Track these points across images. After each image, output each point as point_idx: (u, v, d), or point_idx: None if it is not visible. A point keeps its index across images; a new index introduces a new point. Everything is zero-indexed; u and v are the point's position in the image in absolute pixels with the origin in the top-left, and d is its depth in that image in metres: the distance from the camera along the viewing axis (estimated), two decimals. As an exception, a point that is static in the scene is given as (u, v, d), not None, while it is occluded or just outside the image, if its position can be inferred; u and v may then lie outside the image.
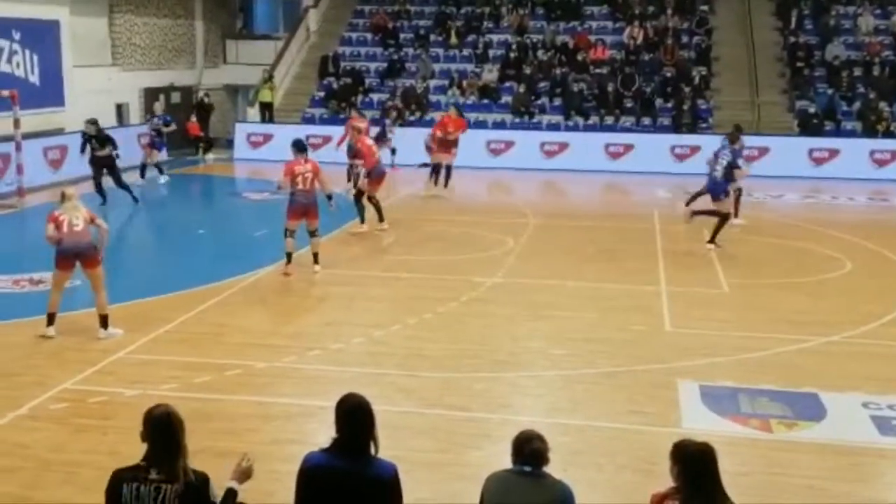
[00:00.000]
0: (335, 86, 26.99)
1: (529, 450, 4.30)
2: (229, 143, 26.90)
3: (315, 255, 12.54)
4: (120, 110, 25.37)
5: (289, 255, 12.39)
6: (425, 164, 20.76)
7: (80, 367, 8.66)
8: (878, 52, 25.67)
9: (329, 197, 12.61)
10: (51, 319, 9.58)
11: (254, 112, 27.25)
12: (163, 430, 4.03)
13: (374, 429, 4.22)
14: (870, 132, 23.55)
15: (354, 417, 4.23)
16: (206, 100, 27.38)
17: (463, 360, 9.07)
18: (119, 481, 4.01)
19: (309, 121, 26.50)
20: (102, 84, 24.09)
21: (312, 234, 12.50)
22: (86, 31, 23.68)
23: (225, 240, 15.97)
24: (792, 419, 7.67)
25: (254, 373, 8.64)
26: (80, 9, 23.15)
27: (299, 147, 12.60)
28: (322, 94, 27.16)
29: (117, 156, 18.02)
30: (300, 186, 12.22)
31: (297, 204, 12.26)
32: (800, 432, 7.46)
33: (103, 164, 17.83)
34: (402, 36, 28.78)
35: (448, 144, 19.96)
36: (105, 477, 6.32)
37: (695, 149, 23.60)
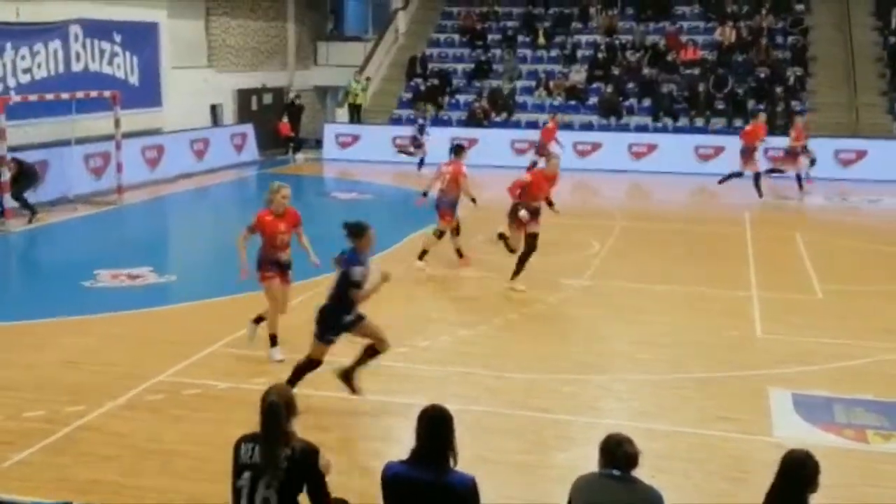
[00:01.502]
0: (422, 87, 27.17)
1: (622, 453, 4.27)
2: (318, 144, 27.36)
3: (423, 253, 12.65)
4: (214, 111, 26.03)
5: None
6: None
7: (176, 360, 8.92)
8: (985, 52, 24.64)
9: (472, 200, 12.81)
10: (274, 340, 9.03)
11: (343, 113, 27.64)
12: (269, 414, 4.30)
13: (453, 439, 4.28)
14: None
15: (433, 428, 4.28)
16: (296, 101, 27.89)
17: (548, 362, 9.04)
18: (238, 443, 4.38)
19: (396, 121, 26.76)
20: (198, 85, 24.74)
21: (434, 232, 12.76)
22: (183, 33, 24.37)
23: (315, 239, 16.22)
24: (889, 430, 7.43)
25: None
26: (177, 11, 23.84)
27: (451, 149, 13.26)
28: (409, 95, 27.38)
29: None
30: (439, 186, 12.68)
31: (437, 202, 12.74)
32: (897, 444, 7.23)
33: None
34: (489, 37, 28.82)
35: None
36: (199, 466, 6.57)
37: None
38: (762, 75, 25.43)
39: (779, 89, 24.74)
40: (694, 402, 8.08)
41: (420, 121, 24.29)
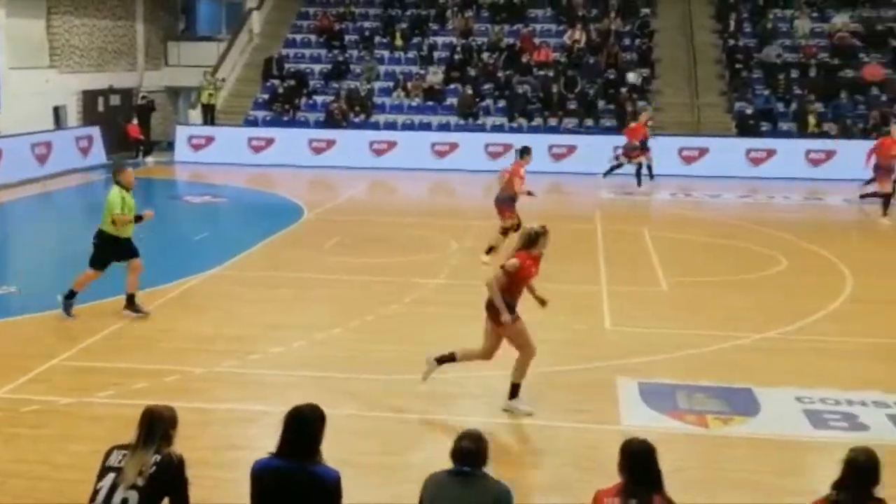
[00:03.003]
0: (280, 88, 26.81)
1: (459, 449, 4.33)
2: (170, 146, 26.57)
3: (490, 248, 13.27)
4: (57, 113, 24.89)
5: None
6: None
7: (13, 376, 8.47)
8: (814, 55, 26.25)
9: (528, 193, 13.53)
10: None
11: (196, 114, 26.95)
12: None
13: (321, 435, 4.33)
14: (805, 133, 24.08)
15: (299, 422, 4.33)
16: (146, 102, 27.01)
17: (405, 362, 9.05)
18: (111, 449, 4.50)
19: (252, 123, 26.30)
20: (39, 86, 23.62)
21: (500, 229, 13.48)
22: (22, 33, 23.20)
23: (164, 244, 15.79)
24: (728, 414, 7.82)
25: (193, 378, 8.54)
26: (16, 9, 22.69)
27: (517, 151, 14.28)
28: (266, 96, 26.96)
29: None
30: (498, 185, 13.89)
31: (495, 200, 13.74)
32: (735, 427, 7.61)
33: None
34: (346, 38, 28.70)
35: None
36: (35, 485, 6.25)
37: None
38: (611, 77, 26.31)
39: (625, 90, 25.64)
40: (547, 395, 8.27)
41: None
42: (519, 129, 25.26)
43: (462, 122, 25.74)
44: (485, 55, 27.33)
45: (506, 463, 6.56)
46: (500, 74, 26.65)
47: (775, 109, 24.97)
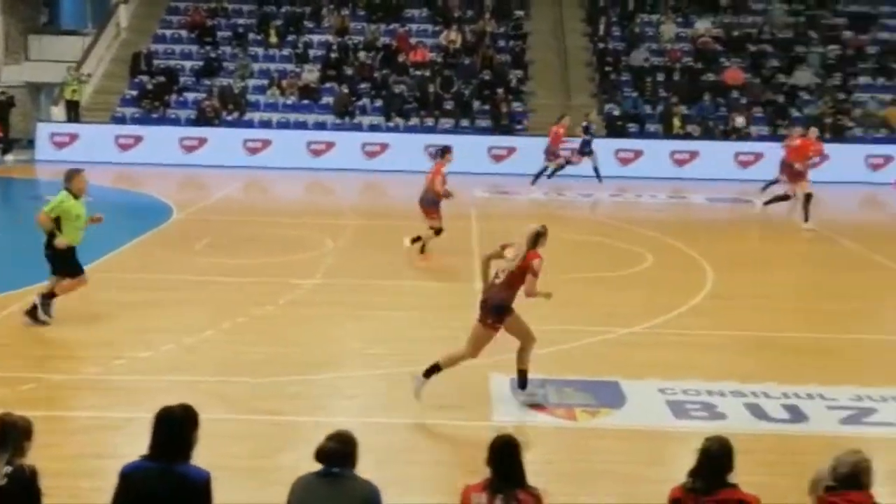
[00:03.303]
0: (149, 85, 26.03)
1: (325, 449, 4.32)
2: (30, 144, 25.43)
3: (417, 238, 13.80)
4: None
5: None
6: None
7: None
8: (678, 59, 27.29)
9: (447, 196, 13.96)
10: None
11: (59, 111, 25.87)
12: None
13: (193, 436, 4.31)
14: (670, 134, 25.02)
15: (169, 423, 4.30)
16: (4, 98, 25.77)
17: (277, 364, 8.95)
18: None
19: (119, 120, 25.46)
20: None
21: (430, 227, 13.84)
22: None
23: (24, 246, 15.10)
24: (595, 407, 8.04)
25: (52, 386, 8.20)
26: None
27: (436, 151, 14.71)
28: (134, 92, 26.13)
29: None
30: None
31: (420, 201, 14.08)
32: (602, 419, 7.83)
33: None
34: (219, 34, 28.10)
35: None
36: None
37: (511, 150, 24.35)
38: (486, 78, 26.66)
39: (501, 91, 26.03)
40: (420, 393, 8.30)
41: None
42: (396, 129, 25.31)
43: (338, 121, 25.60)
44: (361, 54, 27.25)
45: (379, 462, 6.56)
46: (376, 74, 26.62)
47: (642, 111, 25.82)
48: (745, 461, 7.18)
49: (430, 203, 13.80)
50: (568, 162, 21.78)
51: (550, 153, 21.63)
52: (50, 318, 9.85)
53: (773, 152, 23.33)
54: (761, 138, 24.88)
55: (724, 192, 21.70)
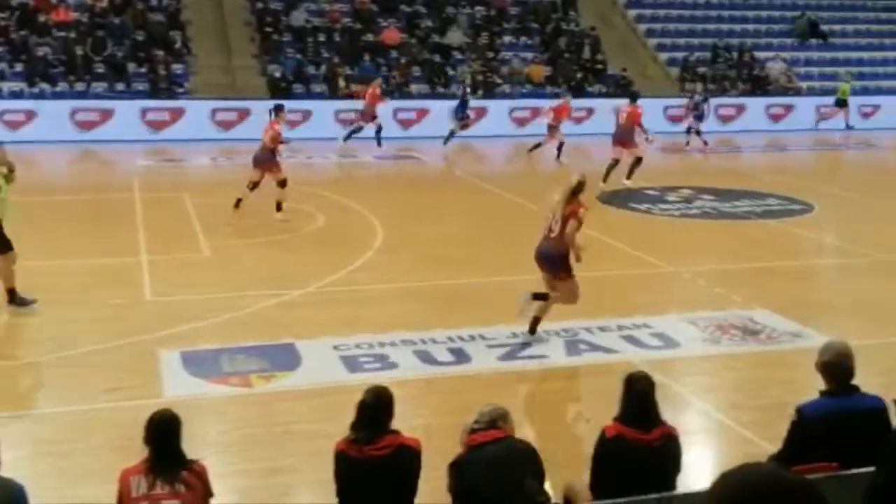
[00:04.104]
0: None
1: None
2: None
3: (279, 204, 14.04)
4: None
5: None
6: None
7: None
8: (338, 19, 27.53)
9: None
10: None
11: None
12: None
13: None
14: (335, 94, 25.28)
15: None
16: None
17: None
18: None
19: None
20: None
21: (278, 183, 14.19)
22: None
23: None
24: (270, 371, 8.00)
25: None
26: None
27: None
28: None
29: None
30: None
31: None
32: (278, 383, 7.82)
33: None
34: None
35: None
36: None
37: (175, 112, 23.37)
38: (140, 38, 25.25)
39: (160, 52, 24.78)
40: (82, 377, 7.81)
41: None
42: (41, 95, 23.26)
43: (-27, 88, 23.05)
44: (-3, 15, 24.67)
45: (41, 455, 6.10)
46: (14, 35, 24.24)
47: (307, 72, 25.83)
48: (416, 405, 7.60)
49: (268, 159, 14.32)
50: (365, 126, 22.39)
51: (367, 114, 22.23)
52: None
53: (436, 109, 24.57)
54: (422, 96, 25.87)
55: (389, 150, 22.37)
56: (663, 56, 29.56)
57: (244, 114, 23.86)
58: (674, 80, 28.69)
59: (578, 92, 25.86)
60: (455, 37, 27.64)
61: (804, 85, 28.93)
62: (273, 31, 26.59)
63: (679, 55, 29.31)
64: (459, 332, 9.05)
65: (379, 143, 22.47)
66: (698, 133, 23.65)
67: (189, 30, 26.36)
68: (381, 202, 16.04)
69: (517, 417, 6.69)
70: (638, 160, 17.61)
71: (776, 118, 27.56)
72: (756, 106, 27.69)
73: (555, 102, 21.76)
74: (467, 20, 28.42)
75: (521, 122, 25.71)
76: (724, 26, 30.93)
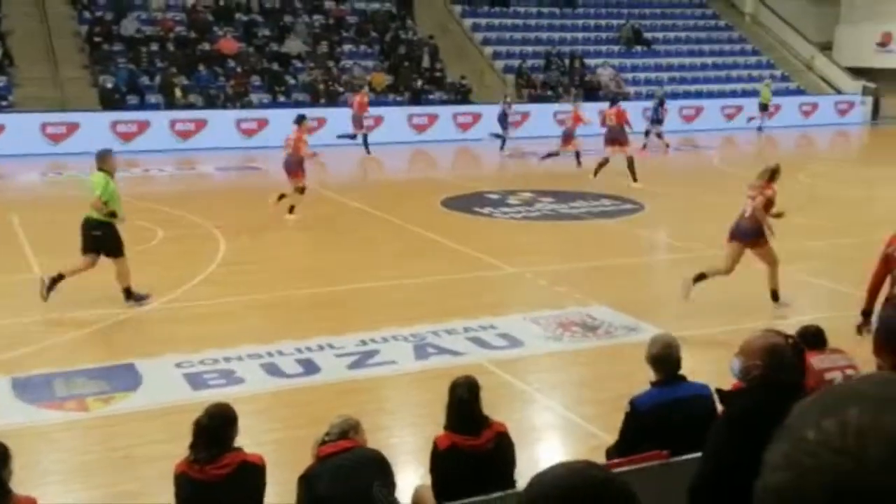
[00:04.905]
0: None
1: None
2: None
3: (291, 207, 15.10)
4: None
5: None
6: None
7: None
8: (171, 28, 26.79)
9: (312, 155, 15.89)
10: None
11: None
12: None
13: None
14: (172, 104, 24.58)
15: None
16: None
17: None
18: None
19: None
20: None
21: (295, 189, 15.25)
22: None
23: None
24: (109, 393, 7.70)
25: None
26: None
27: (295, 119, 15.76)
28: None
29: None
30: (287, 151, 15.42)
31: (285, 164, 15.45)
32: (117, 405, 7.53)
33: None
34: None
35: None
36: None
37: (-3, 128, 22.16)
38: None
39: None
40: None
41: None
42: None
43: None
44: None
45: None
46: None
47: (141, 83, 25.00)
48: (266, 419, 7.50)
49: (296, 165, 15.15)
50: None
51: (357, 122, 23.02)
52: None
53: (276, 119, 24.22)
54: (262, 106, 25.52)
55: (231, 161, 21.94)
56: (499, 64, 30.30)
57: (74, 127, 22.91)
58: (510, 87, 29.44)
59: (417, 98, 26.15)
60: (294, 45, 27.42)
61: (631, 90, 30.26)
62: (103, 40, 25.60)
63: (514, 63, 30.11)
64: (308, 342, 8.98)
65: (366, 150, 23.00)
66: (659, 136, 24.43)
67: (10, 40, 25.02)
68: (223, 214, 15.71)
69: (369, 424, 6.74)
70: (631, 160, 18.71)
71: (608, 122, 28.70)
72: (588, 110, 28.74)
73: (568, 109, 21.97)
74: (306, 29, 28.24)
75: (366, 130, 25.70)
76: (556, 34, 32.03)
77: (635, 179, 18.40)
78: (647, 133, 24.57)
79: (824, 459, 0.86)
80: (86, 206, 10.24)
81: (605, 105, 28.80)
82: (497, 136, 24.93)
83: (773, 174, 9.97)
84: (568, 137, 20.76)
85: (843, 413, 0.88)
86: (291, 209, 15.06)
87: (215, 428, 4.47)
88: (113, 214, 10.02)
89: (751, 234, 9.84)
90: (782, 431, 0.92)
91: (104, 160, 10.19)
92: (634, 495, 1.60)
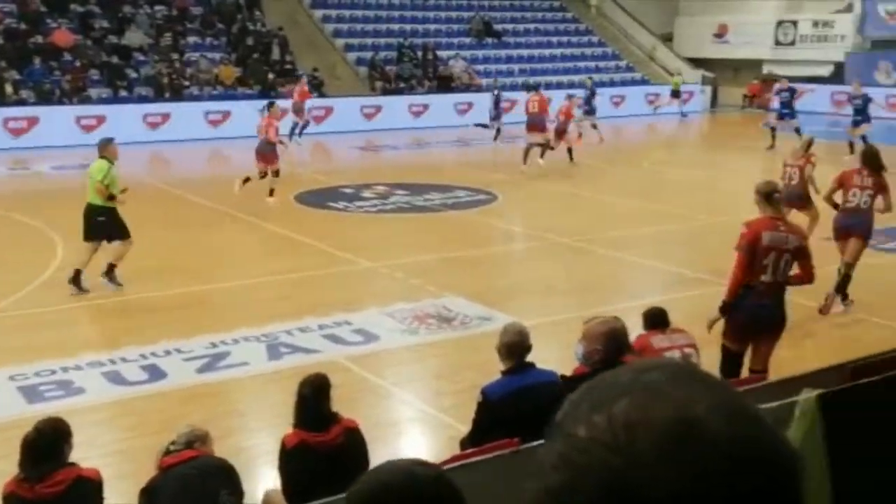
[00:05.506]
0: None
1: None
2: None
3: (271, 191, 15.57)
4: None
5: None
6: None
7: None
8: (0, 20, 25.24)
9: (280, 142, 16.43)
10: None
11: None
12: None
13: None
14: (3, 101, 23.17)
15: None
16: None
17: None
18: None
19: None
20: None
21: (272, 172, 15.72)
22: None
23: None
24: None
25: None
26: None
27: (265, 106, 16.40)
28: None
29: None
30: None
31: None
32: (-57, 424, 6.99)
33: None
34: None
35: None
36: None
37: None
38: None
39: None
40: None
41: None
42: None
43: None
44: None
45: None
46: None
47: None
48: (110, 429, 7.14)
49: (269, 149, 15.64)
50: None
51: (297, 110, 23.18)
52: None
53: (114, 114, 23.17)
54: (102, 101, 24.39)
55: (70, 159, 20.89)
56: (351, 56, 30.05)
57: None
58: (363, 79, 29.25)
59: (268, 92, 25.61)
60: (135, 37, 26.34)
61: (483, 81, 30.62)
62: (-78, 32, 23.88)
63: (367, 55, 29.93)
64: (153, 347, 8.61)
65: (299, 136, 23.25)
66: (594, 126, 24.38)
67: None
68: (61, 216, 14.88)
69: (221, 428, 6.50)
70: (547, 145, 19.25)
71: (461, 113, 28.93)
72: (442, 102, 28.91)
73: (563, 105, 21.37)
74: (147, 20, 27.18)
75: (215, 124, 25.03)
76: (408, 26, 32.02)
77: (541, 157, 19.19)
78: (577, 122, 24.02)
79: (596, 456, 0.82)
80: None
81: (456, 97, 29.49)
82: (483, 126, 24.50)
83: (808, 145, 11.74)
84: (560, 132, 20.52)
85: (611, 407, 0.84)
86: (271, 192, 15.52)
87: (46, 444, 4.20)
88: (112, 197, 10.41)
89: (801, 197, 11.15)
90: (554, 429, 0.87)
91: (105, 148, 10.64)
92: (459, 492, 1.55)
